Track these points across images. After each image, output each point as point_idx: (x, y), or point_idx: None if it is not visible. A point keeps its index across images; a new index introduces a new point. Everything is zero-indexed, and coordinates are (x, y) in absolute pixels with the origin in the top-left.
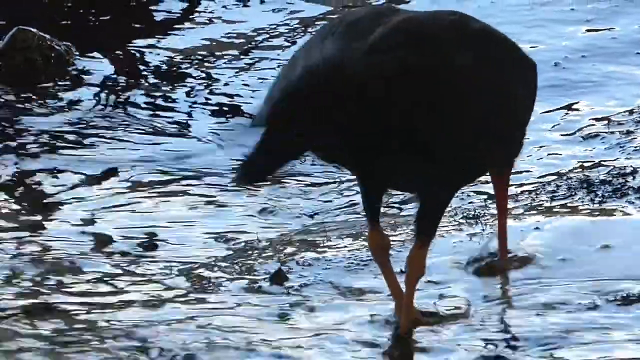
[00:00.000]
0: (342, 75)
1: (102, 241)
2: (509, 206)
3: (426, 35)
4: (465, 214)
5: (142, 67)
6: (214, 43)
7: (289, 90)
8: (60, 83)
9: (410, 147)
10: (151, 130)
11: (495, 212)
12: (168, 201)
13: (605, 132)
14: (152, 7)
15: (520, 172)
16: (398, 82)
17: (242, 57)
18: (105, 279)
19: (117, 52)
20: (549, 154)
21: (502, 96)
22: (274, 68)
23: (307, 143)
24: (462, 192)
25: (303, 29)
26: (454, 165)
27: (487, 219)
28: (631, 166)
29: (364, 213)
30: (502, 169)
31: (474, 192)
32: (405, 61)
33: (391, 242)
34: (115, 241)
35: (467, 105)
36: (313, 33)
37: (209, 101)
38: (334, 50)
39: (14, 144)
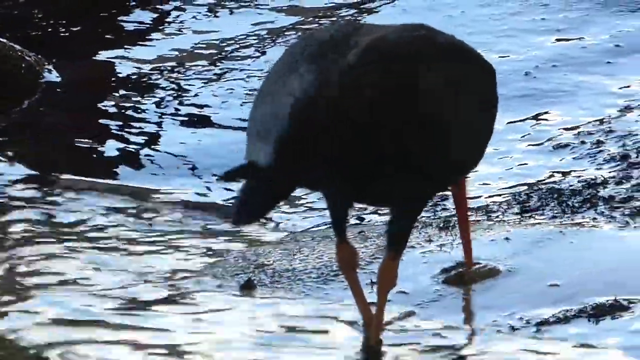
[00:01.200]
0: (326, 107)
1: None
2: (478, 218)
3: (399, 55)
4: (436, 225)
5: (111, 78)
6: (184, 53)
7: (278, 134)
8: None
9: (401, 168)
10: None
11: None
12: None
13: (575, 142)
14: (122, 18)
15: (490, 183)
16: (380, 104)
17: (211, 67)
18: None
19: (86, 62)
20: (519, 164)
21: (474, 108)
22: (243, 79)
23: (300, 180)
24: (434, 203)
25: (272, 39)
26: (435, 180)
27: (457, 230)
28: (602, 176)
29: (332, 227)
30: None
31: (445, 202)
32: (384, 83)
33: (360, 255)
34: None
35: (446, 120)
36: (280, 57)
37: (179, 112)
38: (310, 82)
39: None
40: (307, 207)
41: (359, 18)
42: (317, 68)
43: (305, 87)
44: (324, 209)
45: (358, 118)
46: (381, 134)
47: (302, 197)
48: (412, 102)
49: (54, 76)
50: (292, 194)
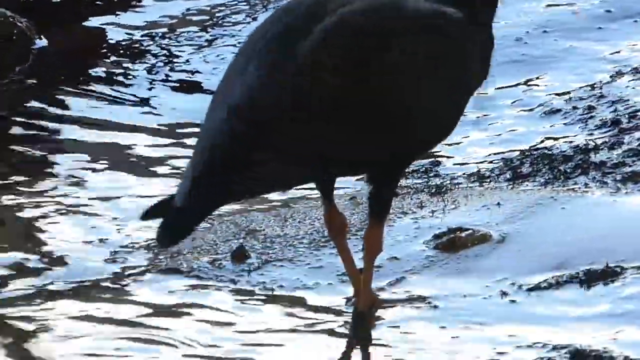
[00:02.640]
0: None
1: None
2: (469, 184)
3: (368, 29)
4: (428, 191)
5: (102, 45)
6: (175, 20)
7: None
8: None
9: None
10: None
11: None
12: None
13: (567, 108)
14: None
15: (481, 149)
16: (346, 85)
17: (202, 33)
18: None
19: (77, 29)
20: (510, 130)
21: (452, 68)
22: (234, 45)
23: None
24: (425, 170)
25: (263, 4)
26: (414, 149)
27: (448, 196)
28: (593, 142)
29: (319, 194)
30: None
31: (436, 168)
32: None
33: (350, 222)
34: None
35: (423, 88)
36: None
37: (170, 78)
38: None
39: None
40: None
41: None
42: (273, 59)
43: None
44: None
45: (320, 102)
46: (345, 120)
47: None
48: (380, 81)
49: (45, 43)
50: None
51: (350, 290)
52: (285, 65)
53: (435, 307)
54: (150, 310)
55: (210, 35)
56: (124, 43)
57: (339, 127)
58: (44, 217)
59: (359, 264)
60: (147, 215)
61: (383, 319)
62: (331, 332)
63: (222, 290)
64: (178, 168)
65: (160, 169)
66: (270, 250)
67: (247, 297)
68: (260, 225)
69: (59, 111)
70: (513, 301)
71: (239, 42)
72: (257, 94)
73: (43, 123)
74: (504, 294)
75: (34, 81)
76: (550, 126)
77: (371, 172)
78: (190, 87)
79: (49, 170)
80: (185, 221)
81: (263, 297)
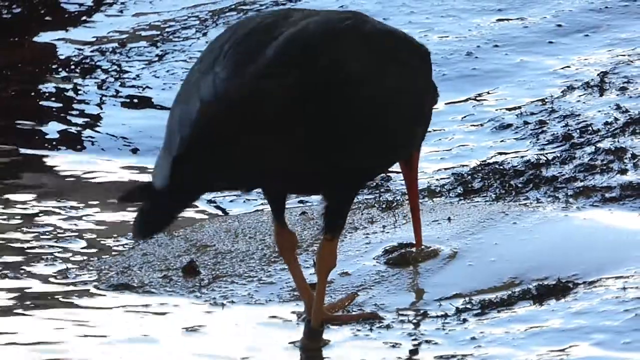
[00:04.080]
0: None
1: None
2: (420, 199)
3: (321, 48)
4: (379, 206)
5: (52, 60)
6: (125, 35)
7: (187, 140)
8: None
9: (325, 164)
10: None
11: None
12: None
13: (518, 123)
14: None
15: (431, 164)
16: (300, 102)
17: (152, 48)
18: None
19: (27, 44)
20: (460, 145)
21: (406, 92)
22: (184, 60)
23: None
24: (376, 185)
25: (214, 20)
26: (366, 169)
27: (399, 211)
28: (544, 157)
29: (271, 213)
30: (409, 155)
31: (387, 183)
32: (303, 80)
33: (299, 239)
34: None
35: (376, 110)
36: (207, 47)
37: (120, 93)
38: (225, 82)
39: None
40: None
41: None
42: (233, 65)
43: (217, 87)
44: None
45: (275, 116)
46: (301, 133)
47: None
48: (337, 98)
49: None
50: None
51: (301, 306)
52: (247, 69)
53: (388, 326)
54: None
55: (161, 51)
56: (74, 58)
57: (292, 140)
58: None
59: (310, 278)
60: (125, 198)
61: (334, 335)
62: (284, 348)
63: (172, 304)
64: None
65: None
66: (221, 266)
67: (198, 312)
68: (211, 241)
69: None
70: (465, 320)
71: (190, 57)
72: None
73: None
74: (458, 311)
75: None
76: (501, 141)
77: (328, 189)
78: (140, 102)
79: None
80: (167, 205)
81: (214, 312)
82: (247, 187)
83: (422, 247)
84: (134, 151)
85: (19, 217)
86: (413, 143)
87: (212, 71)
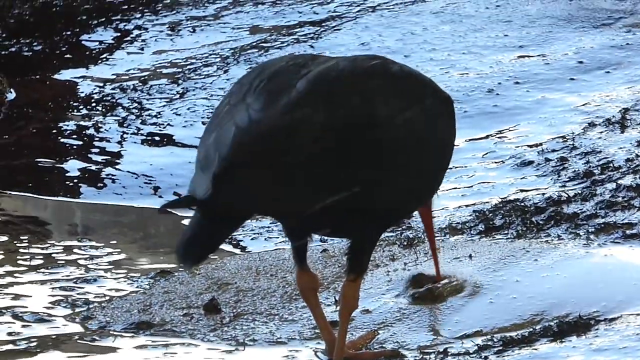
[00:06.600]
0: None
1: None
2: (442, 236)
3: (347, 89)
4: (400, 243)
5: (73, 97)
6: (146, 72)
7: (221, 167)
8: None
9: (352, 206)
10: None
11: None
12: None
13: (539, 159)
14: (83, 37)
15: (453, 201)
16: (328, 137)
17: (173, 85)
18: None
19: (48, 82)
20: (481, 182)
21: (431, 138)
22: (205, 97)
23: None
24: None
25: (235, 57)
26: (390, 213)
27: (420, 248)
28: (565, 194)
29: (292, 254)
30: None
31: (409, 221)
32: (333, 120)
33: (320, 279)
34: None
35: (401, 154)
36: (235, 84)
37: (141, 131)
38: (258, 112)
39: None
40: (269, 227)
41: (321, 36)
42: (265, 98)
43: (251, 116)
44: None
45: (304, 149)
46: (329, 169)
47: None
48: (363, 135)
49: (16, 96)
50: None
51: (322, 344)
52: (279, 101)
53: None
54: None
55: (182, 88)
56: (95, 96)
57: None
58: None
59: (332, 316)
60: (168, 206)
61: None
62: None
63: (193, 344)
64: None
65: None
66: (242, 304)
67: (219, 352)
68: (233, 278)
69: None
70: (486, 357)
71: (211, 95)
72: (256, 120)
73: None
74: (479, 348)
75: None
76: (522, 178)
77: (354, 232)
78: (161, 139)
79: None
80: (212, 217)
81: (235, 352)
82: (276, 216)
83: (445, 282)
84: (155, 189)
85: (40, 257)
86: (438, 187)
87: (244, 102)
